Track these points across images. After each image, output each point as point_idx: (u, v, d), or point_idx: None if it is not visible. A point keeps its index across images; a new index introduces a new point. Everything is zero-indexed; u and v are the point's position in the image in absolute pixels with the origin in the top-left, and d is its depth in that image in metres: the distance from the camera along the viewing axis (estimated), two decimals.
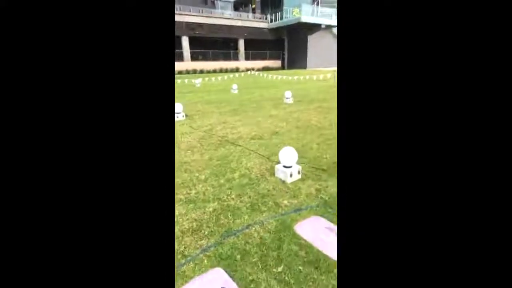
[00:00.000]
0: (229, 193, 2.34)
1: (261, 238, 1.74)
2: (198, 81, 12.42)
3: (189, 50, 22.97)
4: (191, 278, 1.44)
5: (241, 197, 2.26)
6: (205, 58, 24.14)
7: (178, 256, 1.59)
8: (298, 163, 2.75)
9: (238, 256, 1.58)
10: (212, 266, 1.52)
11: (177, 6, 22.46)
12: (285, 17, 23.87)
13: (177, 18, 21.94)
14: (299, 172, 2.56)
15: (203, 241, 1.73)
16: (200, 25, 22.90)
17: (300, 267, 1.50)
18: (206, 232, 1.81)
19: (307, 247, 1.65)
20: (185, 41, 22.88)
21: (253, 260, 1.56)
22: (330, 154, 3.19)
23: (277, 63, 26.85)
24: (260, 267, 1.50)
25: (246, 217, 1.98)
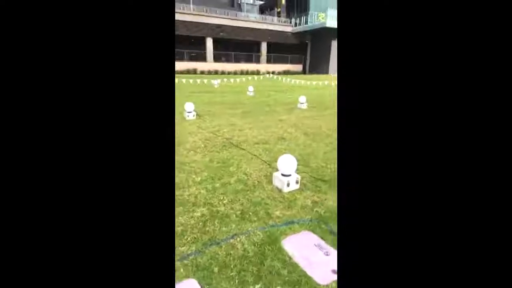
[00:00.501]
0: (221, 198, 2.26)
1: (244, 250, 1.65)
2: (216, 82, 12.57)
3: (212, 51, 23.40)
4: None
5: (232, 204, 2.17)
6: (228, 59, 24.48)
7: None
8: (298, 172, 2.63)
9: (216, 268, 1.50)
10: (187, 276, 1.44)
11: (203, 8, 23.02)
12: (310, 22, 23.62)
13: (203, 19, 22.48)
14: (297, 182, 2.43)
15: (184, 247, 1.66)
16: (225, 27, 23.28)
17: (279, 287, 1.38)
18: (189, 239, 1.74)
19: (291, 265, 1.53)
20: (209, 42, 23.34)
21: (231, 274, 1.46)
22: (336, 165, 3.02)
23: (298, 67, 26.61)
24: (236, 282, 1.41)
25: (233, 226, 1.89)
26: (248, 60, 25.07)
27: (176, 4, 22.00)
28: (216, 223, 1.92)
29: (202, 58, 23.01)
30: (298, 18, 24.81)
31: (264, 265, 1.53)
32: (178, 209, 2.08)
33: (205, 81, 13.29)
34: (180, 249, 1.65)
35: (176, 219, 1.95)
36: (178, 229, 1.84)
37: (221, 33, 23.39)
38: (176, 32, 22.17)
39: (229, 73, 22.63)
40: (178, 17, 21.62)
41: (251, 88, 9.76)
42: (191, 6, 22.64)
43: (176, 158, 3.17)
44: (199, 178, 2.64)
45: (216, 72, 22.26)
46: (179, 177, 2.66)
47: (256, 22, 24.71)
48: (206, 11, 22.76)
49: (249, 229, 1.86)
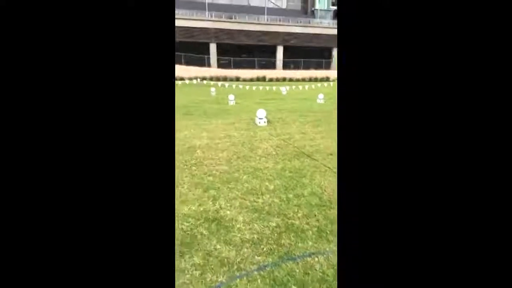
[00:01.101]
0: (295, 210, 2.19)
1: (323, 272, 1.52)
2: (284, 89, 12.66)
3: (282, 59, 23.83)
4: None
5: (308, 219, 2.07)
6: (297, 66, 24.49)
7: (233, 267, 1.56)
8: None
9: (294, 287, 1.42)
10: None
11: (276, 17, 23.73)
12: None
13: (276, 28, 23.14)
14: None
15: (260, 257, 1.65)
16: (296, 34, 23.43)
17: None
18: (265, 249, 1.72)
19: None
20: (279, 50, 23.87)
21: None
22: None
23: None
24: None
25: (310, 243, 1.79)
26: (318, 66, 24.52)
27: (251, 16, 23.35)
28: (291, 237, 1.85)
29: (272, 65, 23.65)
30: None
31: None
32: (252, 216, 2.10)
33: (274, 88, 13.56)
34: (257, 258, 1.64)
35: (251, 225, 1.97)
36: (253, 236, 1.85)
37: (291, 41, 23.62)
38: (248, 42, 23.46)
39: (297, 80, 22.56)
40: (252, 27, 22.85)
41: (321, 96, 9.45)
42: (265, 16, 23.64)
43: (250, 163, 3.26)
44: (272, 186, 2.63)
45: (284, 79, 22.50)
46: (252, 183, 2.71)
47: (328, 27, 24.03)
48: (280, 20, 23.38)
49: (327, 249, 1.72)
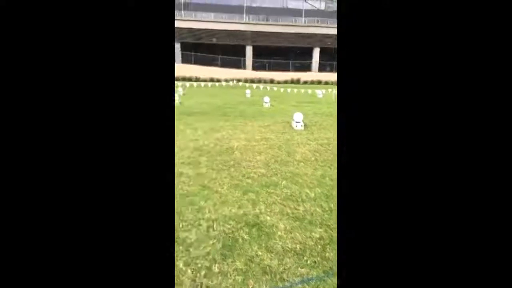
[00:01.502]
0: None
1: None
2: (319, 92, 12.33)
3: (318, 61, 23.32)
4: None
5: None
6: (333, 69, 23.77)
7: (276, 277, 1.51)
8: None
9: None
10: None
11: (314, 19, 23.32)
12: None
13: (312, 30, 22.75)
14: None
15: (304, 269, 1.57)
16: (334, 36, 22.76)
17: None
18: (309, 261, 1.64)
19: None
20: (315, 52, 23.39)
21: None
22: None
23: None
24: None
25: None
26: None
27: (288, 18, 23.23)
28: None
29: (306, 68, 23.25)
30: None
31: None
32: (294, 224, 2.03)
33: (309, 91, 13.28)
34: (300, 270, 1.57)
35: (292, 234, 1.90)
36: (296, 246, 1.78)
37: (329, 43, 23.00)
38: (284, 44, 23.36)
39: (332, 83, 21.87)
40: (288, 29, 22.73)
41: None
42: (303, 18, 23.35)
43: (288, 168, 3.19)
44: (312, 194, 2.53)
45: (319, 82, 21.96)
46: (292, 188, 2.64)
47: None
48: (317, 22, 22.93)
49: None
